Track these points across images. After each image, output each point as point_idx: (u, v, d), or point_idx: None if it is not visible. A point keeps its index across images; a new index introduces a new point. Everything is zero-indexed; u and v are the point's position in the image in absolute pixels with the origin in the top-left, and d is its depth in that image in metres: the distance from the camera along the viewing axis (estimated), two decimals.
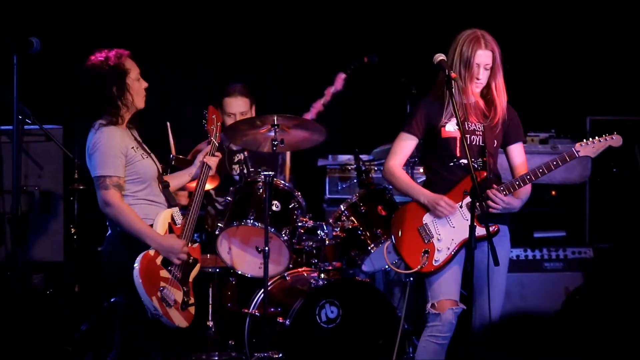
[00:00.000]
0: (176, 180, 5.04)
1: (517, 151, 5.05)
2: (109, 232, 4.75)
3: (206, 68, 7.67)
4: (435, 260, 4.88)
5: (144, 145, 4.87)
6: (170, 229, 4.73)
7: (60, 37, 6.85)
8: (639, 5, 7.31)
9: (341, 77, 6.83)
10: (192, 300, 4.76)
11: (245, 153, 5.85)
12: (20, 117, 5.24)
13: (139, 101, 4.81)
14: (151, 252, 4.62)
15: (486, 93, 4.95)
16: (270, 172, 5.36)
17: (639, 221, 6.84)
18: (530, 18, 7.60)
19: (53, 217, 6.16)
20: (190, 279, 4.79)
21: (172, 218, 4.77)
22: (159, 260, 4.64)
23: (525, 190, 4.96)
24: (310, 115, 6.71)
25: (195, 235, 6.26)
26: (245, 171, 5.77)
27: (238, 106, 6.09)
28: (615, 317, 6.35)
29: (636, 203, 6.90)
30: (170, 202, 4.83)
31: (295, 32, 7.65)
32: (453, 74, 4.69)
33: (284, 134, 5.46)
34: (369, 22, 7.63)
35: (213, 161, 5.00)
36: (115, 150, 4.63)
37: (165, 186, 4.85)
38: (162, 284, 4.62)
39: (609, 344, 6.06)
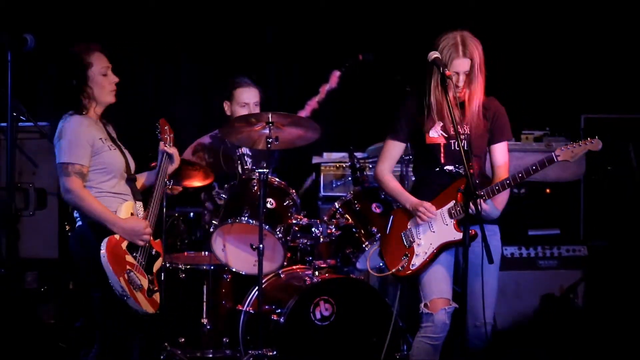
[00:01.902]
0: (145, 179, 5.08)
1: (499, 151, 5.00)
2: (78, 224, 4.76)
3: (201, 67, 7.67)
4: (412, 264, 4.91)
5: (117, 141, 4.90)
6: None
7: (56, 34, 6.84)
8: (633, 3, 7.31)
9: (336, 75, 6.84)
10: (157, 288, 4.80)
11: (241, 150, 5.85)
12: (14, 114, 5.23)
13: (104, 95, 4.82)
14: (116, 236, 4.66)
15: (460, 96, 4.90)
16: (265, 170, 5.36)
17: (633, 219, 6.85)
18: (525, 16, 7.61)
19: (47, 214, 6.16)
20: (154, 270, 4.83)
21: (135, 210, 4.80)
22: (124, 245, 4.68)
23: (502, 199, 4.92)
24: (305, 113, 6.73)
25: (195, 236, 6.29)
26: (239, 169, 5.77)
27: (253, 96, 6.10)
28: (610, 314, 6.37)
29: (630, 201, 6.91)
30: (135, 195, 4.87)
31: (290, 30, 7.66)
32: (448, 72, 4.67)
33: (278, 132, 5.45)
34: (364, 19, 7.63)
35: (173, 149, 5.01)
36: (82, 140, 4.67)
37: (131, 179, 4.88)
38: (128, 267, 4.66)
39: (604, 341, 6.08)
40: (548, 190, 7.03)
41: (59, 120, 4.73)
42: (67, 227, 6.31)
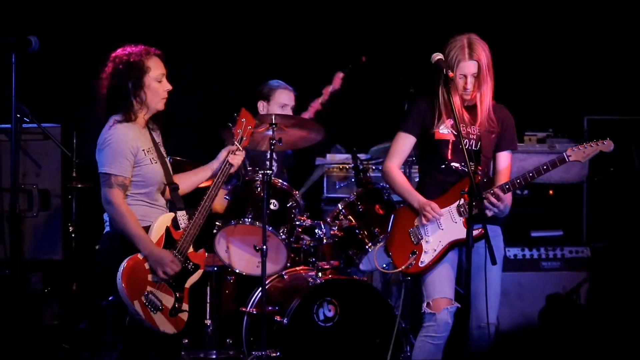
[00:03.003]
0: (192, 177, 4.99)
1: (503, 159, 5.05)
2: (106, 229, 4.76)
3: (204, 66, 7.67)
4: (421, 261, 4.91)
5: (160, 149, 4.85)
6: (169, 234, 4.71)
7: (60, 35, 6.86)
8: (637, 4, 7.32)
9: (339, 76, 6.85)
10: (184, 307, 4.73)
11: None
12: (18, 115, 5.24)
13: (156, 102, 4.79)
14: (140, 255, 4.61)
15: (471, 99, 4.95)
16: (268, 171, 5.36)
17: (636, 220, 6.85)
18: (529, 17, 7.61)
19: (51, 216, 6.17)
20: (187, 285, 4.77)
21: (174, 222, 4.75)
22: (147, 265, 4.62)
23: (508, 200, 4.94)
24: (308, 114, 6.73)
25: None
26: (242, 170, 5.77)
27: (292, 99, 6.13)
28: (613, 316, 6.37)
29: (633, 202, 6.92)
30: (177, 204, 4.81)
31: (293, 31, 7.66)
32: (450, 74, 4.70)
33: (282, 133, 5.46)
34: (367, 21, 7.64)
35: (237, 160, 4.93)
36: (125, 150, 4.63)
37: (173, 189, 4.83)
38: (149, 288, 4.60)
39: (606, 342, 6.07)
40: (551, 192, 7.04)
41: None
42: (71, 229, 6.34)
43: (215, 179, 4.85)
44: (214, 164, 4.96)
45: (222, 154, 4.94)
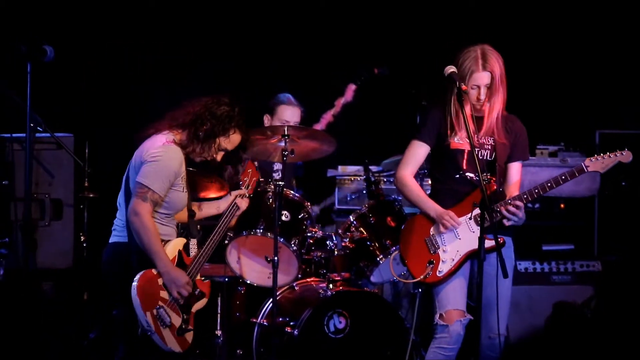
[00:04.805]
0: (203, 210, 5.06)
1: (515, 169, 5.07)
2: (115, 239, 4.76)
3: (213, 76, 7.68)
4: (439, 271, 4.91)
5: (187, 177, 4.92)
6: (181, 258, 4.75)
7: (74, 45, 6.88)
8: None
9: (351, 89, 6.86)
10: (190, 327, 4.75)
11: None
12: (32, 125, 5.26)
13: (212, 155, 4.81)
14: (154, 271, 4.64)
15: (482, 109, 4.96)
16: (280, 182, 5.37)
17: None
18: (540, 32, 7.62)
19: (63, 225, 6.19)
20: (193, 310, 4.80)
21: (186, 248, 4.80)
22: (160, 281, 4.66)
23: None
24: (320, 126, 6.74)
25: None
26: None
27: (295, 115, 6.12)
28: (623, 330, 6.35)
29: None
30: (192, 231, 4.87)
31: (305, 43, 7.67)
32: (464, 87, 4.71)
33: (294, 144, 5.47)
34: (379, 33, 7.65)
35: (244, 204, 5.03)
36: (171, 172, 4.67)
37: (191, 215, 4.89)
38: (160, 303, 4.63)
39: (617, 356, 6.06)
40: (562, 206, 7.03)
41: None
42: (82, 238, 6.35)
43: (223, 217, 4.96)
44: (222, 205, 5.05)
45: (231, 197, 5.04)
